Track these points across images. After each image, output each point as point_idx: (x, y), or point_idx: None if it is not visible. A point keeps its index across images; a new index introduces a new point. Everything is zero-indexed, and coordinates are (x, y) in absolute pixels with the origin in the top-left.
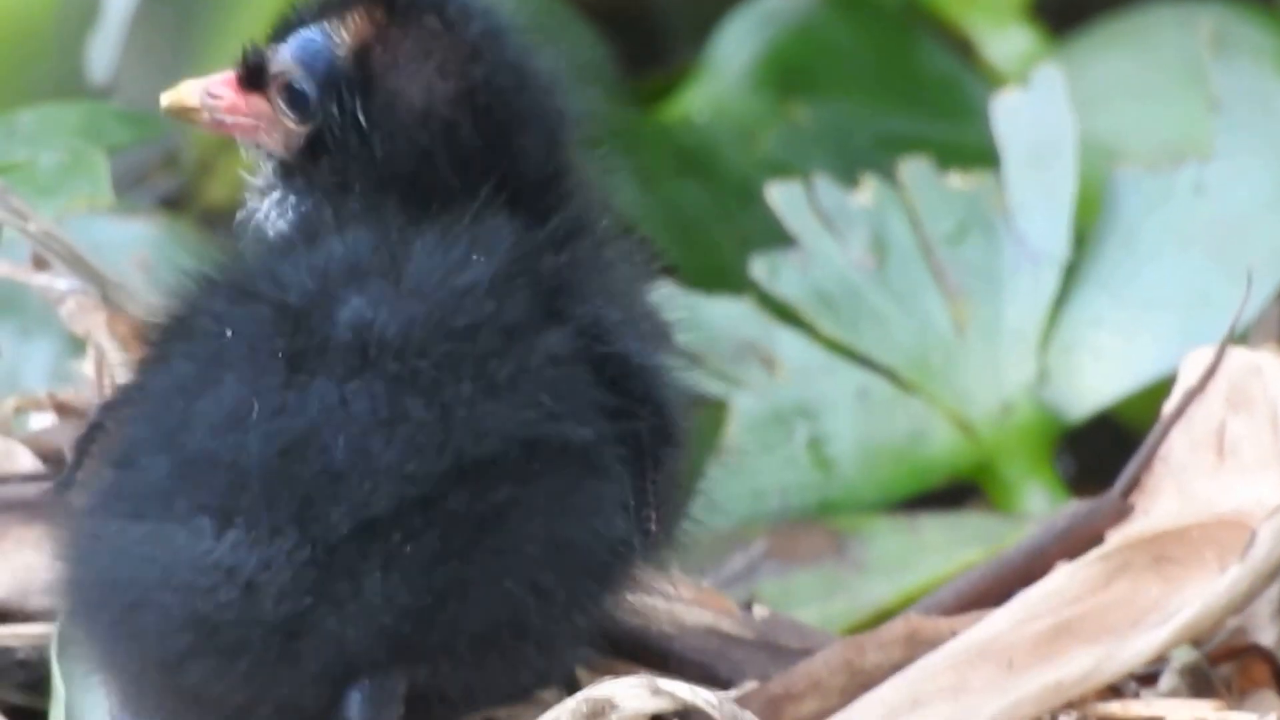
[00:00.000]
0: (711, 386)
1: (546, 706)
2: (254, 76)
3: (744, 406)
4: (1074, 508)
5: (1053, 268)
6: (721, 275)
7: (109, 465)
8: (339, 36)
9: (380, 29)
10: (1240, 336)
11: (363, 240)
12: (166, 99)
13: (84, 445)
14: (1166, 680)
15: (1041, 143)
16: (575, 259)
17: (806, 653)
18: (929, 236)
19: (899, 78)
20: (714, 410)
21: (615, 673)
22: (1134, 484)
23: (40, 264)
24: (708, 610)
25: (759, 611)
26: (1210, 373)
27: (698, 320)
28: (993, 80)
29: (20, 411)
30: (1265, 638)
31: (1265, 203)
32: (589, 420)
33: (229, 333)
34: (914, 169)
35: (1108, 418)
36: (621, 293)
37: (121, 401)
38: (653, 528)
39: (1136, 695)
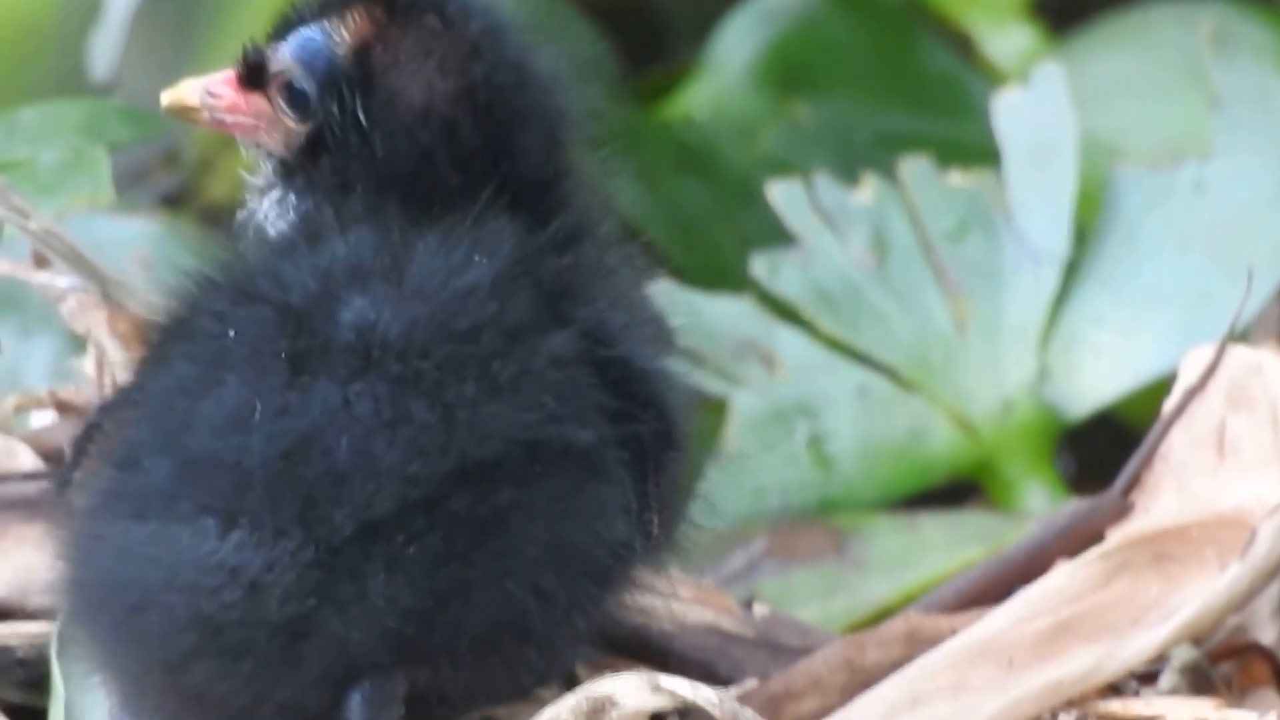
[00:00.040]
0: (712, 385)
1: (546, 704)
2: (254, 75)
3: (744, 405)
4: (1074, 506)
5: (1053, 266)
6: (722, 273)
7: (111, 466)
8: (339, 35)
9: (380, 27)
10: (1240, 335)
11: (364, 241)
12: (167, 98)
13: (82, 445)
14: (1167, 679)
15: (1042, 141)
16: (578, 262)
17: (807, 651)
18: (929, 235)
19: (899, 76)
20: (714, 409)
21: (615, 670)
22: (1134, 482)
23: (41, 262)
24: (708, 608)
25: (759, 610)
26: (1210, 371)
27: (698, 319)
28: (993, 78)
29: (21, 410)
30: (1265, 636)
31: (1266, 201)
32: (591, 423)
33: (231, 334)
34: (914, 167)
35: (1108, 416)
36: (624, 296)
37: (120, 402)
38: (654, 530)
39: (1137, 694)
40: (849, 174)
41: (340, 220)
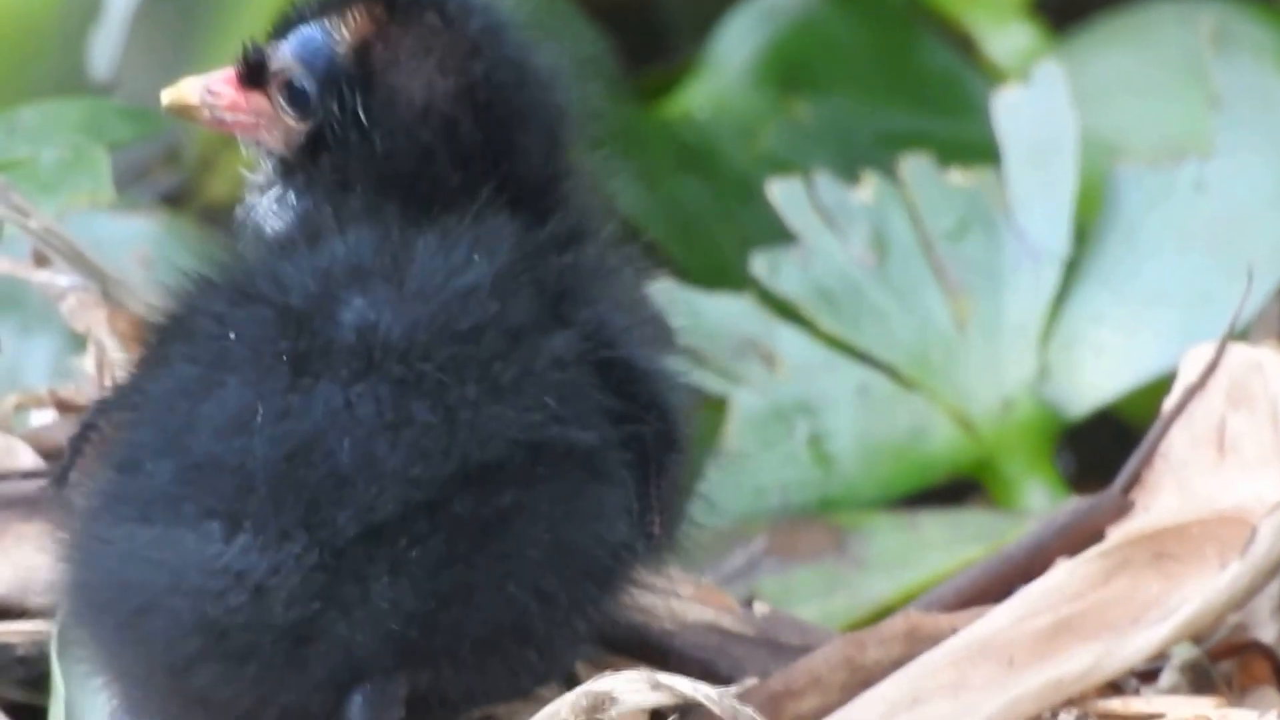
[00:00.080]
0: (712, 384)
1: (546, 702)
2: (254, 74)
3: (745, 403)
4: (1074, 504)
5: (1053, 264)
6: (722, 272)
7: (112, 468)
8: (339, 34)
9: (380, 26)
10: (1241, 333)
11: (364, 241)
12: (167, 96)
13: (78, 444)
14: (1167, 677)
15: (1042, 139)
16: (578, 262)
17: (807, 649)
18: (930, 233)
19: (900, 74)
20: (714, 407)
21: (615, 668)
22: (1134, 480)
23: (41, 260)
24: (708, 607)
25: (759, 608)
26: (1211, 369)
27: (698, 317)
28: (994, 77)
29: (21, 408)
30: (1266, 634)
31: (1266, 199)
32: (593, 424)
33: (231, 335)
34: (915, 165)
35: (1108, 414)
36: (625, 296)
37: (116, 402)
38: (656, 532)
39: (1137, 692)
40: (849, 173)
41: (339, 220)
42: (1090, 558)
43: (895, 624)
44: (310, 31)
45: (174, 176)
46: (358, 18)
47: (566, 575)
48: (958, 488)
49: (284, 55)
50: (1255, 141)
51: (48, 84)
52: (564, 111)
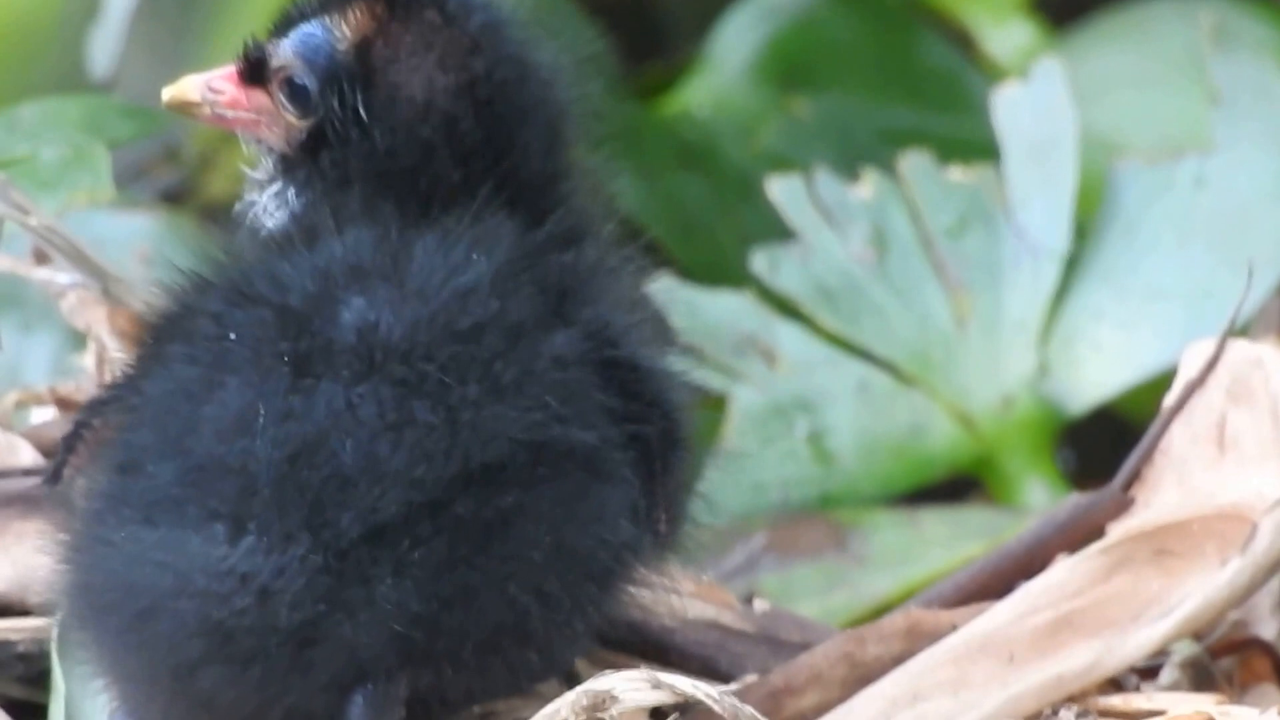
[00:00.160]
0: (712, 380)
1: (547, 700)
2: (255, 71)
3: (745, 400)
4: (1075, 501)
5: (1053, 261)
6: (722, 269)
7: (113, 470)
8: (340, 31)
9: (381, 23)
10: (1241, 329)
11: (363, 241)
12: (168, 94)
13: (71, 442)
14: (1167, 674)
15: (1042, 136)
16: (579, 261)
17: (807, 646)
18: (929, 230)
19: (899, 71)
20: (714, 404)
21: (616, 666)
22: (1135, 477)
23: (41, 258)
24: (709, 604)
25: (759, 605)
26: (1211, 365)
27: (698, 314)
28: (993, 74)
29: (21, 406)
30: (1266, 631)
31: (1266, 195)
32: (594, 424)
33: (231, 336)
34: (914, 162)
35: (1108, 411)
36: (626, 296)
37: (111, 400)
38: (662, 531)
39: (1137, 689)
40: (849, 170)
41: (338, 219)
42: (1091, 554)
43: (895, 621)
44: (311, 29)
45: (174, 174)
46: (358, 15)
47: (568, 577)
48: (958, 485)
49: (285, 52)
50: (1255, 137)
51: (48, 82)
52: (564, 109)
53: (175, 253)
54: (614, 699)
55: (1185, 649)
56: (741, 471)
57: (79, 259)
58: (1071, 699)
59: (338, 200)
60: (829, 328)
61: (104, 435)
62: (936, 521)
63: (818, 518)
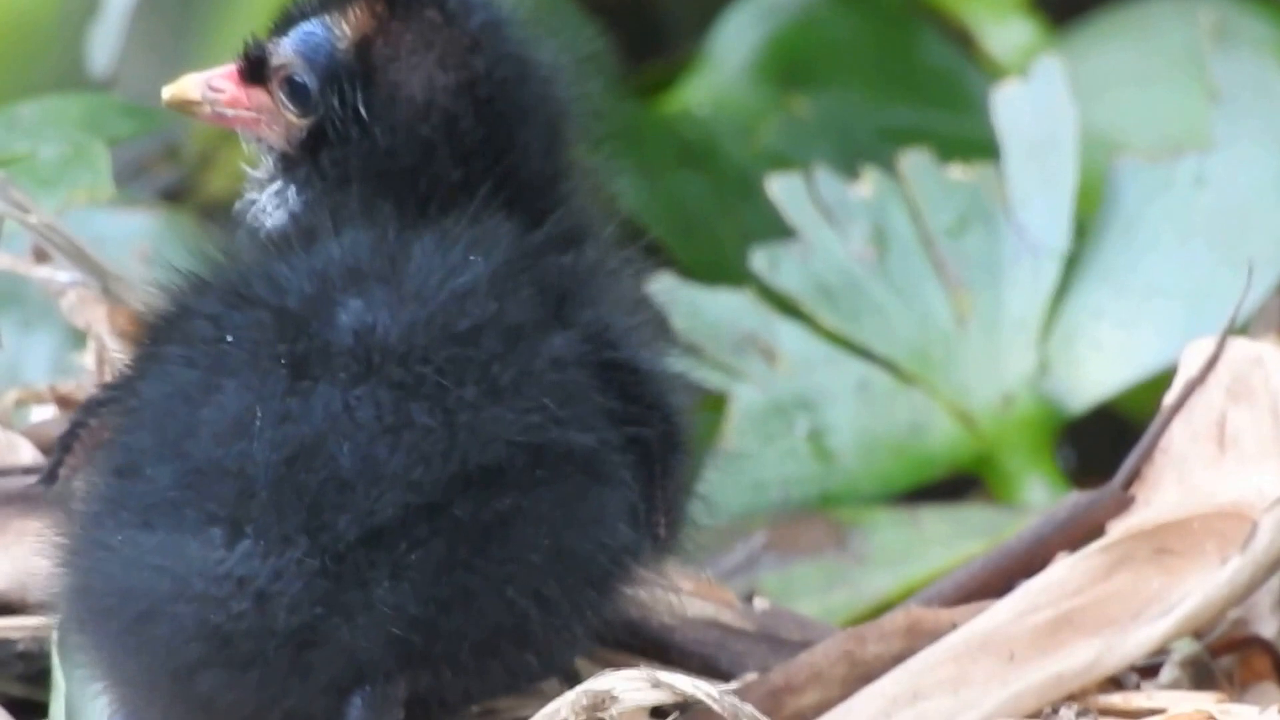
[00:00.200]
0: (712, 379)
1: (547, 698)
2: (255, 70)
3: (745, 399)
4: (1075, 499)
5: (1053, 259)
6: (722, 267)
7: (110, 473)
8: (340, 30)
9: (381, 22)
10: (1241, 327)
11: (360, 243)
12: (168, 92)
13: (67, 441)
14: (1168, 672)
15: (1042, 134)
16: (578, 263)
17: (807, 645)
18: (929, 228)
19: (899, 70)
20: (714, 403)
21: (615, 665)
22: (1135, 475)
23: (41, 256)
24: (709, 602)
25: (760, 604)
26: (1211, 364)
27: (698, 313)
28: (993, 72)
29: (21, 404)
30: (1266, 629)
31: (1266, 194)
32: (593, 426)
33: (229, 338)
34: (914, 161)
35: (1108, 409)
36: (626, 297)
37: (107, 399)
38: (662, 534)
39: (1137, 687)
40: (849, 168)
41: (336, 221)
42: (1091, 553)
43: (895, 619)
44: (311, 27)
45: (173, 172)
46: (359, 14)
47: (567, 580)
48: (958, 483)
49: (285, 51)
50: (1255, 135)
51: (48, 80)
52: (565, 108)
53: (175, 251)
54: (614, 698)
55: (1185, 647)
56: (742, 470)
57: (79, 257)
58: (1072, 697)
59: (337, 200)
60: (829, 326)
61: (100, 435)
62: (937, 520)
63: (818, 516)
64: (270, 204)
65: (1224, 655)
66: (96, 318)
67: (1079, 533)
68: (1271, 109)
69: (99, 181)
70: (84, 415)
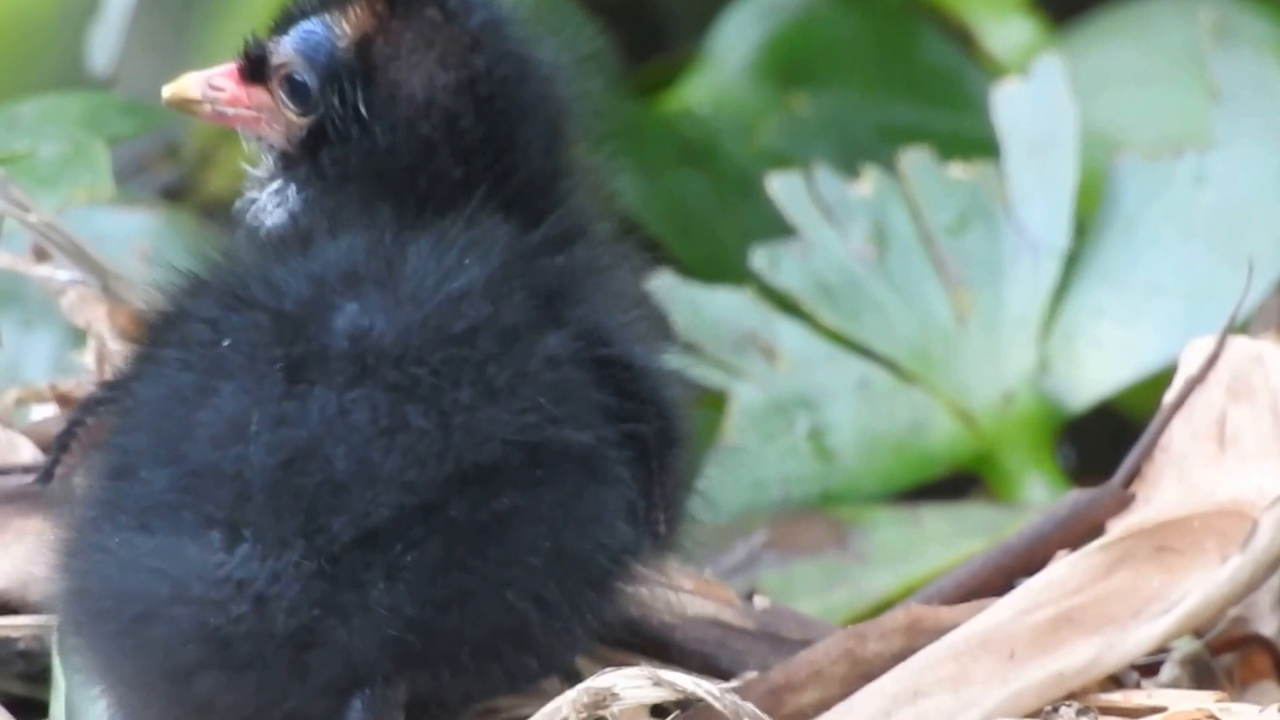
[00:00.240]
0: (712, 377)
1: (548, 697)
2: (255, 68)
3: (745, 397)
4: (1075, 497)
5: (1053, 257)
6: (722, 266)
7: (106, 476)
8: (340, 28)
9: (381, 20)
10: (1241, 325)
11: (356, 246)
12: (168, 91)
13: (64, 440)
14: (1168, 671)
15: (1042, 133)
16: (573, 261)
17: (808, 643)
18: (929, 227)
19: (899, 68)
20: (714, 401)
21: (616, 663)
22: (1135, 474)
23: (41, 255)
24: (709, 601)
25: (760, 602)
26: (1211, 362)
27: (698, 311)
28: (993, 70)
29: (21, 403)
30: (1266, 628)
31: (1266, 192)
32: (590, 424)
33: (226, 342)
34: (914, 159)
35: (1109, 408)
36: (620, 294)
37: (104, 399)
38: (661, 529)
39: (1138, 686)
40: (849, 166)
41: (335, 220)
42: (1091, 551)
43: (896, 617)
44: (311, 26)
45: (173, 171)
46: (359, 12)
47: (566, 581)
48: (958, 482)
49: (285, 50)
50: (1255, 134)
51: (48, 78)
52: (565, 106)
53: (175, 250)
54: (615, 696)
55: (1186, 646)
56: (742, 468)
57: (79, 256)
58: (1072, 696)
59: (336, 201)
60: (829, 325)
61: (98, 434)
62: (937, 518)
63: (818, 515)
64: (270, 202)
65: (1224, 653)
66: (96, 316)
67: (1079, 531)
68: (1271, 107)
69: (99, 180)
70: (81, 414)
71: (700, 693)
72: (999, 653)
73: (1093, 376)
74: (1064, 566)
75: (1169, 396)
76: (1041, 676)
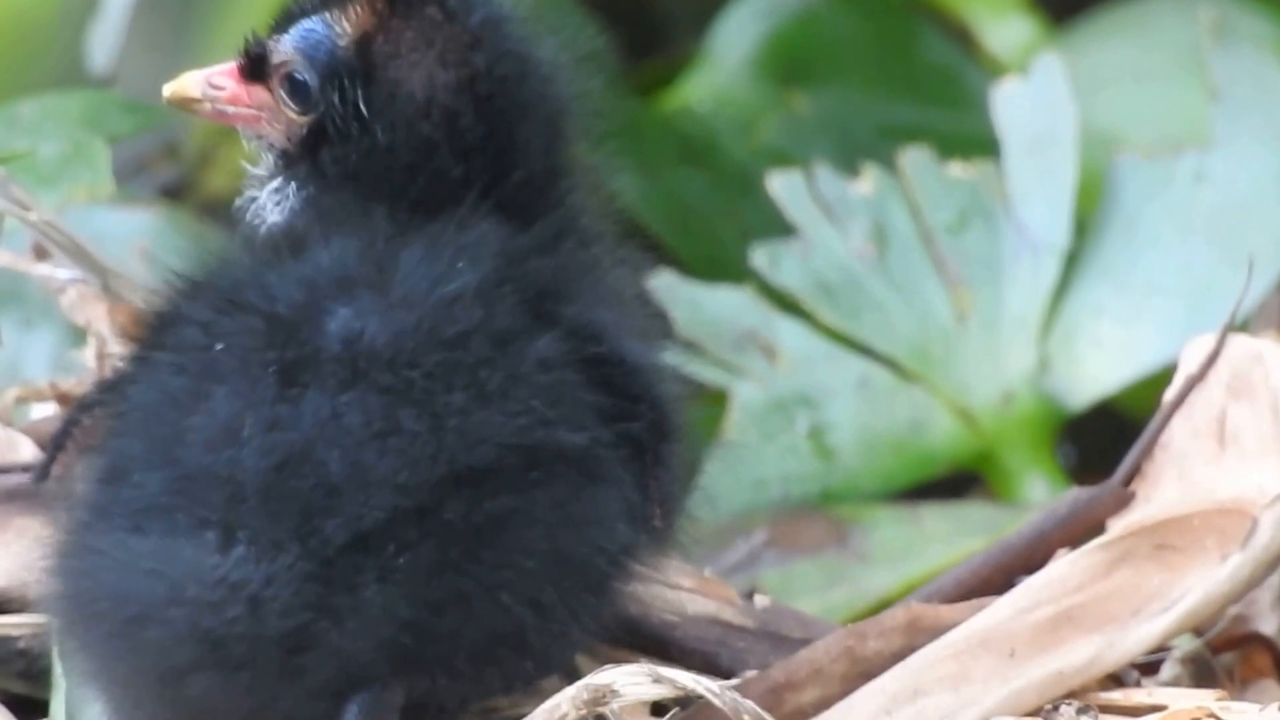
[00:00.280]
0: (712, 376)
1: (548, 694)
2: (256, 67)
3: (745, 396)
4: (1075, 495)
5: (1053, 256)
6: (722, 264)
7: (99, 479)
8: (340, 27)
9: (381, 19)
10: (1241, 324)
11: (349, 249)
12: (169, 90)
13: (61, 440)
14: (1168, 669)
15: (1042, 131)
16: (564, 260)
17: (808, 642)
18: (929, 226)
19: (899, 67)
20: (715, 400)
21: (616, 661)
22: (1135, 472)
23: (41, 254)
24: (709, 599)
25: (760, 601)
26: (1211, 360)
27: (698, 310)
28: (993, 69)
29: (22, 402)
30: (1267, 626)
31: (1266, 190)
32: (584, 425)
33: (219, 346)
34: (914, 158)
35: (1108, 407)
36: (612, 291)
37: (101, 399)
38: (656, 525)
39: (1138, 684)
40: (849, 165)
41: (334, 220)
42: (1091, 550)
43: (896, 616)
44: (312, 24)
45: (173, 170)
46: (359, 11)
47: (563, 583)
48: (958, 480)
49: (286, 48)
50: (1255, 132)
51: (48, 77)
52: (565, 105)
53: (175, 248)
54: (615, 693)
55: (1186, 644)
56: (742, 467)
57: (79, 255)
58: (1072, 694)
59: (337, 198)
60: (829, 323)
61: (95, 433)
62: (937, 517)
63: (818, 513)
64: (270, 201)
65: (1224, 652)
66: (96, 315)
67: (1079, 529)
68: (1271, 106)
69: (99, 179)
70: (77, 413)
71: (700, 690)
72: (999, 651)
73: (1093, 375)
74: (1064, 565)
75: (1169, 395)
76: (1042, 675)
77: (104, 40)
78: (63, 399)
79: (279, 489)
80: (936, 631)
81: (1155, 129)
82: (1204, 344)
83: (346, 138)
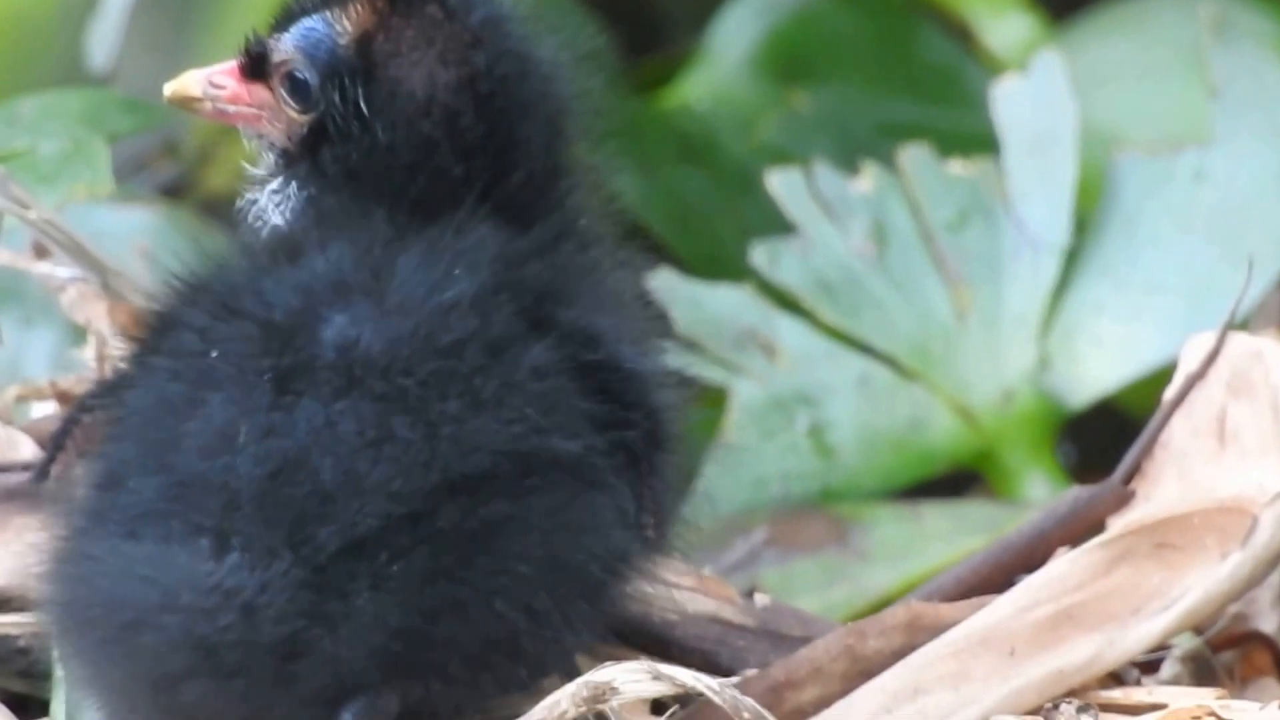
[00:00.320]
0: (712, 374)
1: (547, 691)
2: (256, 66)
3: (745, 394)
4: (1075, 494)
5: (1053, 254)
6: (722, 263)
7: (93, 485)
8: (341, 25)
9: (382, 18)
10: (1241, 322)
11: (345, 256)
12: (169, 89)
13: (59, 440)
14: (1168, 668)
15: (1041, 129)
16: (560, 265)
17: (808, 640)
18: (929, 224)
19: (899, 65)
20: (715, 398)
21: (616, 659)
22: (1135, 471)
23: (41, 252)
24: (709, 598)
25: (760, 599)
26: (1211, 359)
27: (698, 308)
28: (993, 67)
29: (22, 400)
30: (1267, 625)
31: (1266, 188)
32: (578, 432)
33: (214, 353)
34: (914, 156)
35: (1109, 405)
36: (609, 295)
37: (99, 401)
38: (650, 532)
39: (1138, 683)
40: (849, 163)
41: (322, 232)
42: (1091, 548)
43: (896, 614)
44: (312, 23)
45: (173, 168)
46: (359, 9)
47: (558, 590)
48: (958, 479)
49: (286, 47)
50: (1255, 130)
51: (48, 75)
52: (565, 103)
53: (175, 247)
54: (614, 690)
55: (1186, 643)
56: (742, 466)
57: (79, 253)
58: (1072, 693)
59: (337, 197)
60: (829, 321)
61: (94, 432)
62: (937, 516)
63: (818, 512)
64: (271, 200)
65: (1225, 650)
66: (96, 313)
67: (1079, 528)
68: (1271, 103)
69: (99, 177)
70: (76, 414)
71: (700, 687)
72: (999, 650)
73: (1093, 373)
74: (1064, 563)
75: (1169, 393)
76: (1042, 673)
77: (104, 39)
78: (63, 397)
79: (273, 496)
80: (937, 630)
81: (1155, 127)
82: (1204, 342)
83: (347, 136)
